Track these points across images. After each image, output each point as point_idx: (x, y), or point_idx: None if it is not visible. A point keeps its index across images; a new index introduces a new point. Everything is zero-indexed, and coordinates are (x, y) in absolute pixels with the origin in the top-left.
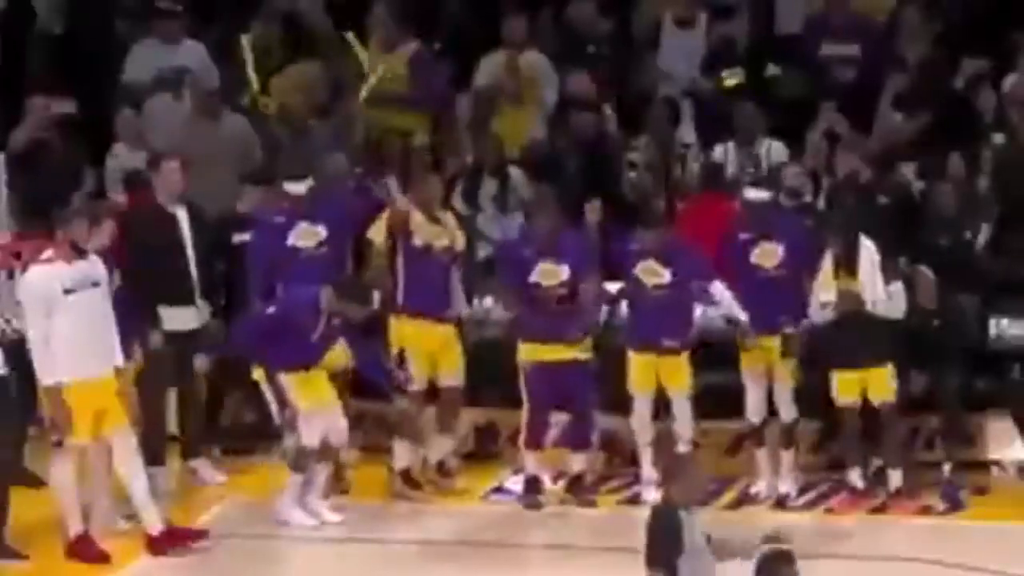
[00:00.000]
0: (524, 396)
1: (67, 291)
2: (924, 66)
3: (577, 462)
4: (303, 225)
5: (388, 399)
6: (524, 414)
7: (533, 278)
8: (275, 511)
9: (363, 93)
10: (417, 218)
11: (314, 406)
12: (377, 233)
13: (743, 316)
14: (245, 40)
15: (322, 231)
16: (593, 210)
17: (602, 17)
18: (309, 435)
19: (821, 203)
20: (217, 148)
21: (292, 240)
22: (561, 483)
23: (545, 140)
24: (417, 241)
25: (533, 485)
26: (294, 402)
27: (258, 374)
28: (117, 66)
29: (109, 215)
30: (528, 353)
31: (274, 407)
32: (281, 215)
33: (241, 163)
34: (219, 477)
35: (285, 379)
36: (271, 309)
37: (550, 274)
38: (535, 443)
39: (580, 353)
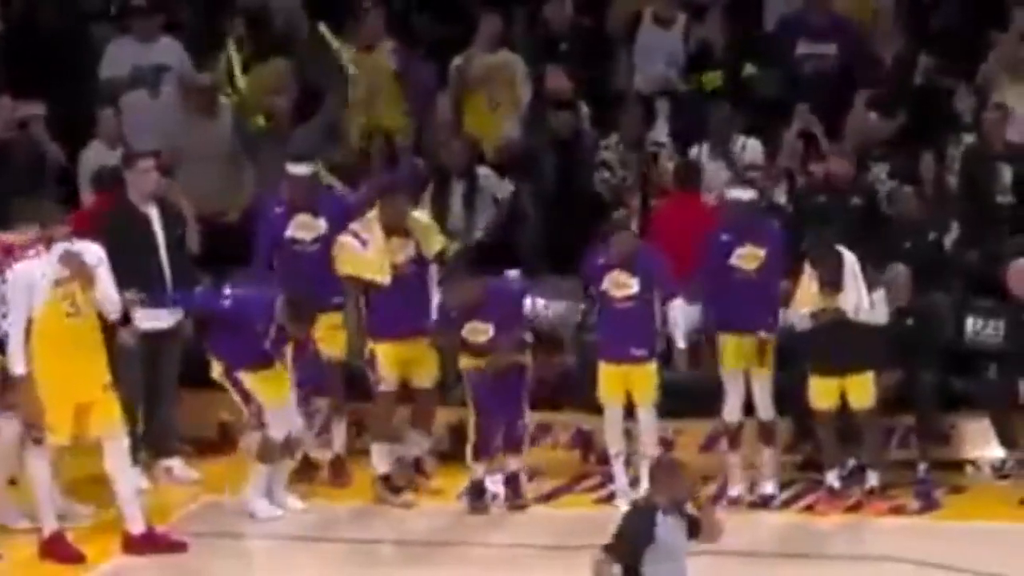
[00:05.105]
0: (470, 404)
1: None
2: (898, 66)
3: (512, 463)
4: (302, 217)
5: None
6: (471, 422)
7: (462, 333)
8: (240, 502)
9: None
10: (378, 244)
11: (275, 403)
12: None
13: (681, 344)
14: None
15: (322, 225)
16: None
17: (577, 15)
18: (276, 428)
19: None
20: (214, 146)
21: (291, 231)
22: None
23: (520, 139)
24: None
25: (478, 489)
26: (257, 397)
27: (217, 372)
28: (85, 62)
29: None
30: (468, 358)
31: (239, 402)
32: (280, 205)
33: (234, 160)
34: (193, 475)
35: (244, 376)
36: (227, 303)
37: (477, 332)
38: (484, 452)
39: (518, 356)
